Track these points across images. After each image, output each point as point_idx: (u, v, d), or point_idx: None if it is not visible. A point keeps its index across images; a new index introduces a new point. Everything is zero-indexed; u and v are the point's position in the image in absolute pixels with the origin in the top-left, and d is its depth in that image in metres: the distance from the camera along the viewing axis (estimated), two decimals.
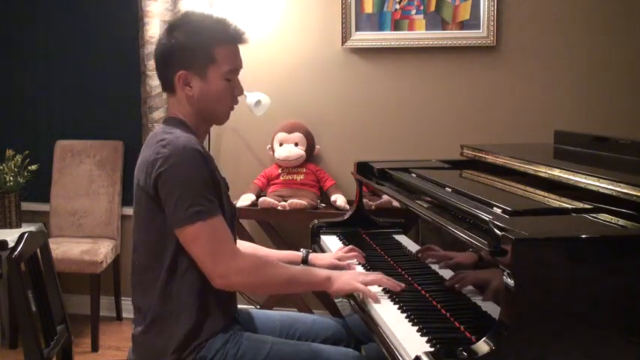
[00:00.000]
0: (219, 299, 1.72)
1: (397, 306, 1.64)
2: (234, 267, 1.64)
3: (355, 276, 1.77)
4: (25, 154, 3.53)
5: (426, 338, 1.43)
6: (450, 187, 1.80)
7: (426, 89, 3.37)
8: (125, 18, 3.55)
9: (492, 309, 1.48)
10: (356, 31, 3.36)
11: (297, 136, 3.32)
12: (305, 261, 2.08)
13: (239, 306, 1.89)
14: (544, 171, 1.83)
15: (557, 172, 1.78)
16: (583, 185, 1.64)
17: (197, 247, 1.63)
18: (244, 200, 3.24)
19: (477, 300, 1.58)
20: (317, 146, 3.40)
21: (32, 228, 3.36)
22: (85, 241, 3.48)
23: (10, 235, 3.19)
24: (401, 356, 1.41)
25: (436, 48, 3.31)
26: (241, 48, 1.80)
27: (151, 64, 3.20)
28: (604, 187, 1.56)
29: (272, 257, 2.03)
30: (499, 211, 1.48)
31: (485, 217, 1.43)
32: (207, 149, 3.37)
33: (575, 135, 2.33)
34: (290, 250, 2.22)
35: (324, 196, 3.31)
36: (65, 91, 3.75)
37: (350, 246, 2.13)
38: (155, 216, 1.66)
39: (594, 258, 1.27)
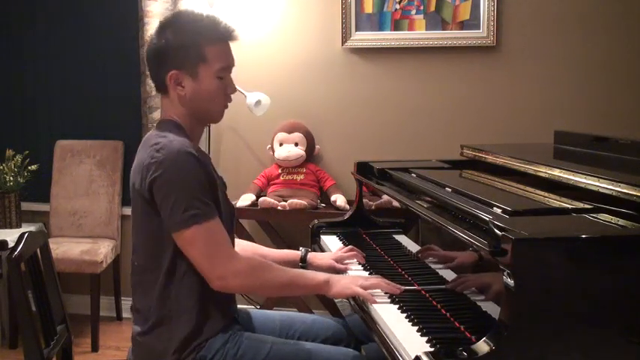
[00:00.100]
0: (218, 301, 1.72)
1: (397, 306, 1.64)
2: (232, 269, 1.64)
3: (355, 280, 1.76)
4: (25, 154, 3.53)
5: (426, 338, 1.43)
6: (450, 187, 1.79)
7: (425, 89, 3.37)
8: (125, 18, 3.55)
9: (492, 309, 1.48)
10: (356, 31, 3.36)
11: (297, 136, 3.32)
12: (304, 260, 2.07)
13: (239, 306, 1.89)
14: (544, 171, 1.83)
15: (557, 172, 1.78)
16: (583, 185, 1.64)
17: (194, 250, 1.63)
18: (244, 200, 3.24)
19: (477, 300, 1.58)
20: (317, 146, 3.40)
21: (32, 228, 3.36)
22: (85, 241, 3.48)
23: (10, 235, 3.19)
24: (401, 356, 1.41)
25: (436, 48, 3.31)
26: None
27: None
28: (604, 187, 1.56)
29: (271, 257, 2.03)
30: (499, 211, 1.48)
31: (485, 217, 1.43)
32: (206, 149, 3.38)
33: (575, 135, 2.33)
34: (289, 249, 2.22)
35: (324, 196, 3.31)
36: (65, 91, 3.75)
37: (350, 246, 2.13)
38: (151, 219, 1.66)
39: (594, 258, 1.27)
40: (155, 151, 1.64)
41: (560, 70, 3.24)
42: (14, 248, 1.79)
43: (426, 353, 1.28)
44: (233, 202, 2.91)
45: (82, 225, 3.60)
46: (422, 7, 3.30)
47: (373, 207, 2.81)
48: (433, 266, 1.90)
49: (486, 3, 3.21)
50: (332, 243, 2.32)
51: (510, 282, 1.24)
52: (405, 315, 1.58)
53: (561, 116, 3.19)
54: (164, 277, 1.69)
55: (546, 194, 1.70)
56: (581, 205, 1.55)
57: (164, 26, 1.76)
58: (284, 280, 1.72)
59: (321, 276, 1.77)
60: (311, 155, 3.37)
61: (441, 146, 3.20)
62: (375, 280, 1.76)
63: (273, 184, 3.31)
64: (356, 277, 1.82)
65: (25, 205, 3.63)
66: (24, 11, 3.75)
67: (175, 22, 1.76)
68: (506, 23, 3.24)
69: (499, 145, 2.54)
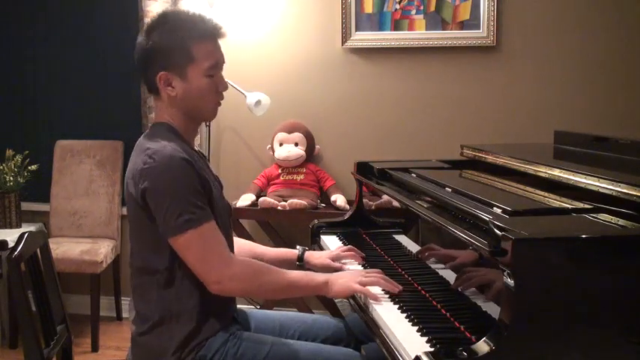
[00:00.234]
0: (218, 302, 1.71)
1: (397, 306, 1.64)
2: (228, 273, 1.64)
3: (354, 277, 1.76)
4: (25, 154, 3.53)
5: (426, 338, 1.43)
6: (450, 187, 1.79)
7: (425, 89, 3.37)
8: (125, 18, 3.55)
9: (492, 309, 1.48)
10: (356, 31, 3.36)
11: (297, 136, 3.32)
12: (301, 259, 2.07)
13: (239, 306, 1.89)
14: (544, 171, 1.83)
15: (557, 172, 1.78)
16: (583, 185, 1.64)
17: (190, 255, 1.63)
18: (244, 200, 3.24)
19: (477, 300, 1.58)
20: (317, 146, 3.40)
21: (32, 228, 3.36)
22: (84, 241, 3.48)
23: (10, 235, 3.19)
24: (401, 356, 1.41)
25: (436, 48, 3.31)
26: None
27: None
28: (604, 187, 1.56)
29: (268, 255, 2.03)
30: (499, 211, 1.48)
31: (485, 217, 1.43)
32: (206, 149, 3.38)
33: (575, 135, 2.33)
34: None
35: (324, 196, 3.31)
36: (65, 91, 3.75)
37: (349, 246, 2.13)
38: (147, 224, 1.66)
39: (594, 258, 1.27)
40: (148, 157, 1.64)
41: (559, 70, 3.24)
42: (14, 248, 1.79)
43: (426, 353, 1.28)
44: (233, 202, 2.90)
45: (82, 225, 3.60)
46: (422, 7, 3.30)
47: (373, 207, 2.81)
48: (433, 266, 1.90)
49: (486, 3, 3.21)
50: (332, 243, 2.31)
51: (510, 282, 1.24)
52: (405, 315, 1.58)
53: (561, 116, 3.19)
54: (163, 280, 1.69)
55: (546, 194, 1.70)
56: (581, 205, 1.55)
57: (151, 28, 1.74)
58: (282, 283, 1.71)
59: (320, 277, 1.76)
60: (311, 155, 3.37)
61: (441, 146, 3.20)
62: (374, 277, 1.75)
63: (273, 184, 3.31)
64: (355, 273, 1.81)
65: (25, 205, 3.63)
66: (24, 11, 3.75)
67: (161, 23, 1.74)
68: (506, 23, 3.24)
69: (499, 145, 2.54)
